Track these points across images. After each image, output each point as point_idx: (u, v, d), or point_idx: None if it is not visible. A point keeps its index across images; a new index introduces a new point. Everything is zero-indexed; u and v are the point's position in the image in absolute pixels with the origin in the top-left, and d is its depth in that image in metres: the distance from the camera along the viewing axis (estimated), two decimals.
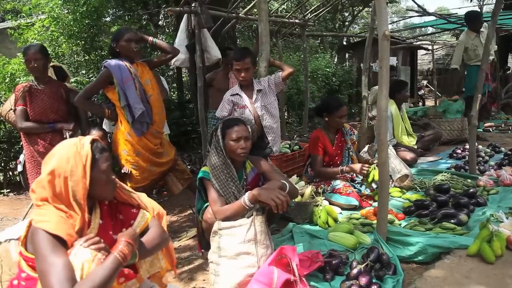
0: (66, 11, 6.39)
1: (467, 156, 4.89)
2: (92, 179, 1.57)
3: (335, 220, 3.20)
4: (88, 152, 1.57)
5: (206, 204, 2.54)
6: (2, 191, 5.53)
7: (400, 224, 3.09)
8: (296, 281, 2.09)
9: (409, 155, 4.85)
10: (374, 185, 3.54)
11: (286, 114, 8.92)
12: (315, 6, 7.04)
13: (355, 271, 2.27)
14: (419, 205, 3.32)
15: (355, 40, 13.17)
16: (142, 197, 1.88)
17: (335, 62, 12.25)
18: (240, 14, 5.43)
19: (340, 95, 10.36)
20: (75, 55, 6.77)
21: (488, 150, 5.42)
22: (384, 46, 2.45)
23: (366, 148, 4.53)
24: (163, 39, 8.35)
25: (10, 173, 5.98)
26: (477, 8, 19.18)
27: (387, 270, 2.30)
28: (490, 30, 4.14)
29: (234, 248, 2.21)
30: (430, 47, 12.54)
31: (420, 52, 14.80)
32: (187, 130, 6.71)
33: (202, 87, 4.13)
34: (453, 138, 6.25)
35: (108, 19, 8.03)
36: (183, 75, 8.55)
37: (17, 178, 5.82)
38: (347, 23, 16.45)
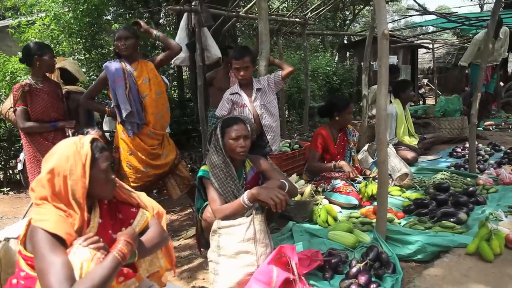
0: (67, 9, 6.39)
1: (467, 155, 4.89)
2: (92, 178, 1.57)
3: (335, 219, 3.21)
4: (88, 151, 1.57)
5: (205, 203, 2.54)
6: (2, 189, 5.54)
7: (399, 223, 3.09)
8: (296, 280, 2.09)
9: (410, 154, 4.85)
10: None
11: (286, 112, 8.92)
12: (316, 4, 7.03)
13: (354, 269, 2.27)
14: (418, 203, 3.32)
15: (356, 39, 13.14)
16: (142, 197, 1.88)
17: (335, 61, 12.23)
18: (240, 13, 5.43)
19: (341, 94, 10.35)
20: (76, 54, 6.78)
21: (488, 149, 5.42)
22: (383, 45, 2.45)
23: (366, 147, 4.54)
24: None
25: (10, 171, 6.00)
26: (477, 7, 19.18)
27: (386, 268, 2.30)
28: (490, 29, 4.13)
29: (233, 247, 2.22)
30: (430, 46, 12.52)
31: (421, 50, 14.79)
32: (188, 129, 6.72)
33: (202, 85, 4.13)
34: (453, 137, 6.25)
35: (108, 17, 8.04)
36: (183, 74, 8.56)
37: (17, 176, 5.84)
38: (348, 21, 16.42)
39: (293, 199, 3.14)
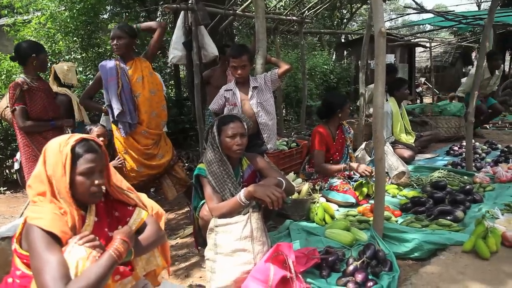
0: (63, 8, 6.37)
1: (463, 153, 4.90)
2: (71, 180, 1.55)
3: (332, 217, 3.21)
4: (67, 152, 1.55)
5: (202, 201, 2.54)
6: None
7: (396, 221, 3.10)
8: (293, 278, 2.09)
9: (406, 153, 4.86)
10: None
11: (284, 111, 8.92)
12: (313, 3, 7.00)
13: (351, 267, 2.27)
14: (415, 202, 3.33)
15: (353, 38, 13.17)
16: (142, 197, 1.87)
17: (333, 60, 12.23)
18: (237, 11, 5.41)
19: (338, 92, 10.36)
20: (72, 53, 6.75)
21: (485, 147, 5.44)
22: (380, 43, 2.45)
23: (363, 145, 4.54)
24: None
25: (7, 171, 5.97)
26: (474, 6, 19.21)
27: (383, 266, 2.30)
28: (487, 27, 4.14)
29: (230, 245, 2.21)
30: (428, 45, 12.55)
31: (418, 49, 14.80)
32: (185, 128, 6.71)
33: (199, 84, 4.12)
34: (450, 136, 6.27)
35: (105, 16, 8.02)
36: (180, 73, 8.54)
37: (14, 176, 5.81)
38: (345, 20, 16.43)
39: (290, 197, 3.14)
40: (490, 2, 4.19)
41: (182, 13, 4.24)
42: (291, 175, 3.84)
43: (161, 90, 3.39)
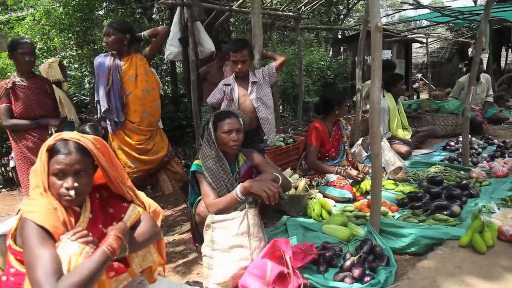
0: (58, 4, 6.31)
1: (460, 149, 4.91)
2: (48, 179, 1.55)
3: (329, 213, 3.21)
4: (43, 150, 1.55)
5: (199, 198, 2.53)
6: None
7: (393, 216, 3.11)
8: (290, 273, 2.10)
9: (403, 148, 4.87)
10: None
11: (281, 107, 8.90)
12: None
13: (348, 263, 2.28)
14: (412, 197, 3.34)
15: (350, 34, 13.13)
16: (140, 195, 1.85)
17: (329, 56, 12.21)
18: (233, 7, 5.39)
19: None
20: (68, 49, 6.71)
21: (481, 142, 5.45)
22: (377, 38, 2.44)
23: (360, 141, 4.54)
24: None
25: (3, 168, 5.94)
26: (471, 2, 19.20)
27: (380, 261, 2.31)
28: (483, 23, 4.14)
29: (227, 241, 2.21)
30: (424, 40, 12.54)
31: (415, 45, 14.81)
32: (182, 124, 6.69)
33: (196, 80, 4.10)
34: (447, 133, 6.28)
35: (101, 12, 7.96)
36: (177, 69, 8.50)
37: (10, 174, 5.78)
38: (342, 16, 16.38)
39: (287, 193, 3.14)
40: None
41: (178, 9, 4.21)
42: (288, 171, 3.84)
43: (156, 88, 3.33)
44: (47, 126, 3.38)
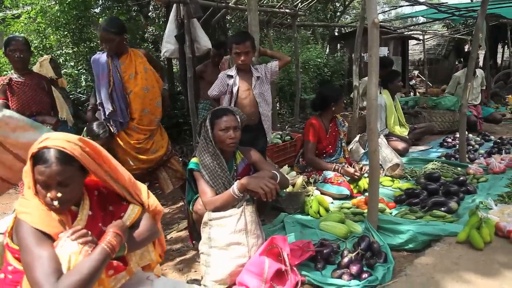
0: (53, 2, 6.28)
1: (457, 145, 4.92)
2: (35, 186, 1.52)
3: (327, 210, 3.21)
4: (28, 156, 1.51)
5: (196, 196, 2.53)
6: None
7: (391, 213, 3.11)
8: (287, 270, 2.09)
9: (400, 145, 4.87)
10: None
11: (278, 105, 8.89)
12: None
13: (346, 259, 2.27)
14: (410, 193, 3.34)
15: (347, 31, 13.14)
16: (142, 192, 1.81)
17: (326, 53, 12.20)
18: (229, 4, 5.37)
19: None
20: (64, 47, 6.67)
21: (478, 139, 5.47)
22: (374, 34, 2.44)
23: (357, 138, 4.54)
24: (153, 30, 8.28)
25: None
26: None
27: (378, 258, 2.31)
28: (480, 19, 4.14)
29: (224, 239, 2.20)
30: (421, 37, 12.55)
31: (411, 42, 14.82)
32: (178, 122, 6.67)
33: (192, 78, 4.09)
34: (444, 130, 6.30)
35: (96, 10, 7.93)
36: (173, 67, 8.48)
37: None
38: (338, 13, 16.37)
39: (284, 190, 3.13)
40: None
41: (174, 6, 4.19)
42: (285, 168, 3.84)
43: (157, 86, 3.28)
44: (42, 123, 3.36)
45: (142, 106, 3.17)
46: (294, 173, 3.82)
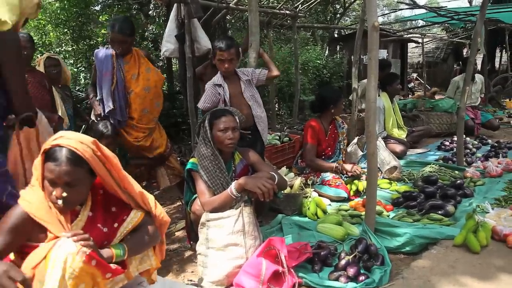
0: None
1: (454, 148, 4.94)
2: (43, 182, 1.53)
3: (324, 212, 3.22)
4: (40, 152, 1.52)
5: (194, 196, 2.53)
6: None
7: (388, 216, 3.11)
8: (285, 272, 2.10)
9: (398, 148, 4.88)
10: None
11: (276, 106, 8.90)
12: None
13: (343, 262, 2.28)
14: (407, 196, 3.35)
15: (346, 33, 13.15)
16: (149, 200, 1.80)
17: (326, 54, 12.22)
18: (230, 4, 5.37)
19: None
20: (63, 44, 6.67)
21: (476, 142, 5.50)
22: (374, 37, 2.45)
23: (355, 140, 4.55)
24: (153, 29, 8.27)
25: None
26: (466, 2, 19.29)
27: (375, 261, 2.31)
28: (479, 23, 4.16)
29: (222, 240, 2.21)
30: (420, 40, 12.58)
31: (410, 45, 14.84)
32: (177, 121, 6.67)
33: (192, 78, 4.08)
34: (442, 132, 6.32)
35: (97, 7, 7.92)
36: (172, 66, 8.47)
37: None
38: (338, 15, 16.39)
39: (282, 191, 3.13)
40: None
41: (175, 5, 4.19)
42: (283, 170, 3.85)
43: (158, 86, 3.29)
44: None
45: (143, 106, 3.18)
46: (292, 174, 3.82)
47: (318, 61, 10.19)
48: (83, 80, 6.24)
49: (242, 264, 2.17)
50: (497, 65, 15.70)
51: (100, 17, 7.17)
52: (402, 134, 5.28)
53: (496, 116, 7.65)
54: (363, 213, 2.94)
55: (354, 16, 21.24)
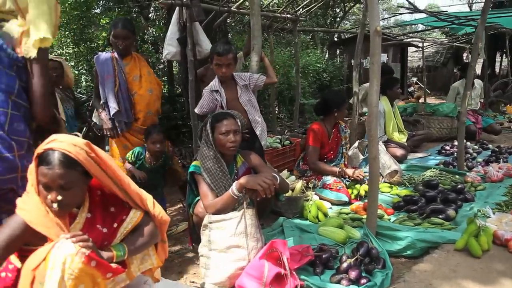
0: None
1: (455, 153, 4.95)
2: (38, 186, 1.53)
3: (325, 215, 3.22)
4: (34, 156, 1.51)
5: (197, 198, 2.53)
6: None
7: (389, 219, 3.12)
8: (287, 274, 2.10)
9: (399, 152, 4.89)
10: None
11: (277, 109, 8.91)
12: (307, 1, 7.01)
13: (345, 265, 2.28)
14: (408, 200, 3.36)
15: (346, 37, 13.19)
16: (148, 200, 1.81)
17: (325, 58, 12.25)
18: (232, 8, 5.39)
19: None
20: (64, 47, 6.68)
21: (476, 147, 5.51)
22: (376, 41, 2.46)
23: (356, 144, 4.55)
24: (153, 32, 8.29)
25: None
26: (466, 7, 19.36)
27: (376, 264, 2.32)
28: (480, 28, 4.18)
29: (224, 241, 2.21)
30: (420, 44, 12.61)
31: (410, 49, 14.88)
32: (177, 124, 6.67)
33: (193, 81, 4.09)
34: (442, 136, 6.33)
35: (97, 10, 7.94)
36: (173, 69, 8.49)
37: None
38: (338, 19, 16.45)
39: (284, 194, 3.14)
40: (483, 3, 4.22)
41: (177, 9, 4.20)
42: (284, 173, 3.86)
43: (158, 89, 3.34)
44: None
45: (148, 108, 3.21)
46: (293, 177, 3.83)
47: (318, 65, 10.21)
48: (84, 83, 6.26)
49: (244, 266, 2.18)
50: (497, 69, 15.74)
51: (101, 20, 7.19)
52: (402, 138, 5.29)
53: (496, 121, 7.66)
54: (364, 216, 2.95)
55: (353, 20, 21.31)
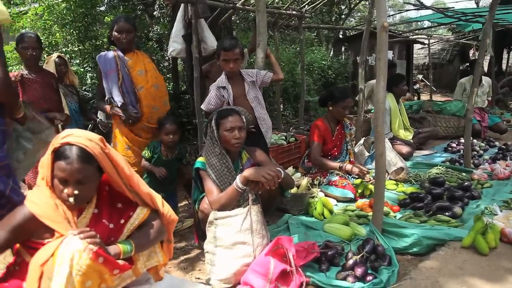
0: (60, 0, 6.31)
1: (461, 150, 4.92)
2: (53, 180, 1.54)
3: (331, 212, 3.21)
4: (49, 152, 1.53)
5: (202, 195, 2.53)
6: None
7: (395, 216, 3.11)
8: (293, 271, 2.10)
9: (405, 149, 4.87)
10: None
11: (282, 106, 8.90)
12: None
13: (350, 262, 2.28)
14: (414, 197, 3.34)
15: (351, 33, 13.13)
16: (156, 199, 1.82)
17: (331, 55, 12.21)
18: (237, 5, 5.38)
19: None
20: (69, 45, 6.69)
21: (483, 144, 5.47)
22: (383, 37, 2.44)
23: (362, 141, 4.54)
24: (158, 29, 8.29)
25: None
26: (473, 3, 19.21)
27: (382, 261, 2.31)
28: (487, 25, 4.14)
29: (230, 238, 2.21)
30: (426, 41, 12.53)
31: (416, 46, 14.82)
32: (182, 121, 6.67)
33: (199, 78, 4.09)
34: (448, 135, 6.29)
35: (102, 8, 7.95)
36: (178, 66, 8.49)
37: None
38: (343, 16, 16.39)
39: (289, 191, 3.13)
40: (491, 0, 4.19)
41: (182, 5, 4.20)
42: (290, 170, 3.85)
43: (163, 85, 3.36)
44: (53, 120, 3.38)
45: (153, 103, 3.21)
46: (299, 174, 3.83)
47: (323, 62, 10.19)
48: (89, 80, 6.26)
49: (250, 262, 2.18)
50: (504, 67, 15.61)
51: (106, 17, 7.19)
52: (408, 136, 5.27)
53: (503, 118, 7.60)
54: (370, 213, 2.94)
55: (359, 17, 21.24)
